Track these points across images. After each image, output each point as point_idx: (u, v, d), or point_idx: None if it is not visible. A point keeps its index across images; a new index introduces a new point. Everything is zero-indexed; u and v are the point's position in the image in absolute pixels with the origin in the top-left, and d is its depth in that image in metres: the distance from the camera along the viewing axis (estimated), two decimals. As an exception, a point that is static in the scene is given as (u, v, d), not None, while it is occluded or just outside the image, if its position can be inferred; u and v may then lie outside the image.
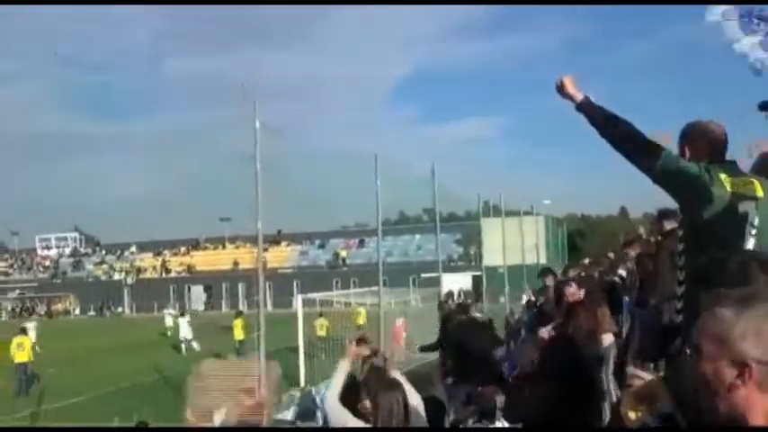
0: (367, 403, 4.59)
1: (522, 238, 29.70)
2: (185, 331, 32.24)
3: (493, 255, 29.83)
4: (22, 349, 23.59)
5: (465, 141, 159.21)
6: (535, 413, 4.69)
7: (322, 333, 24.19)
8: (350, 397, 4.59)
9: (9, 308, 72.17)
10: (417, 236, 65.96)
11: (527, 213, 35.47)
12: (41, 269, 78.88)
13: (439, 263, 22.77)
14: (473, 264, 54.40)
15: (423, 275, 32.92)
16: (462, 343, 8.80)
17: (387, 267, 20.04)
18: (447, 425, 6.29)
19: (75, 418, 16.94)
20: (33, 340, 29.96)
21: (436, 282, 21.91)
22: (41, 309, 71.47)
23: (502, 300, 27.11)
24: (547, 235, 39.45)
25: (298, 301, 21.22)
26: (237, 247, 69.57)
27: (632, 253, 10.08)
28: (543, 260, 36.72)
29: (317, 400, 11.21)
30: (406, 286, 28.50)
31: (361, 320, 24.79)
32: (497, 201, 28.62)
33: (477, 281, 41.38)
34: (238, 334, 27.81)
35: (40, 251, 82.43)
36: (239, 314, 30.52)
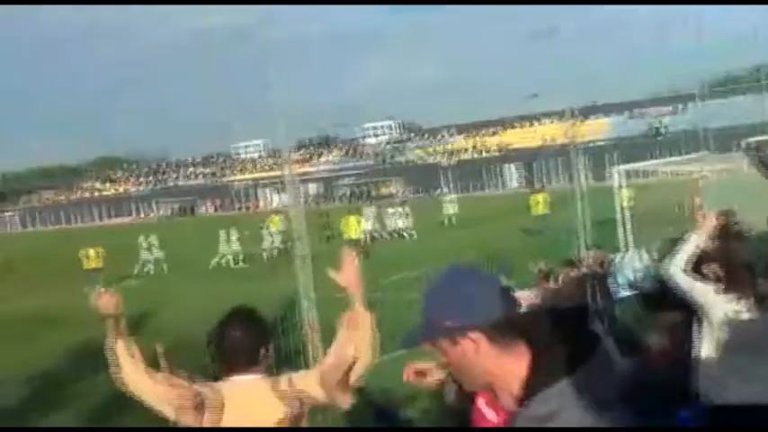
0: (712, 266, 4.46)
1: None
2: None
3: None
4: (348, 227, 27.63)
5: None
6: None
7: (630, 204, 23.93)
8: None
9: (346, 193, 78.32)
10: (744, 97, 60.48)
11: None
12: (367, 156, 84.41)
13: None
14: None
15: (752, 140, 30.26)
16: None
17: (711, 133, 18.69)
18: None
19: (412, 289, 18.30)
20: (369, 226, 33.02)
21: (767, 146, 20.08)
22: (374, 192, 76.76)
23: None
24: None
25: (615, 173, 20.66)
26: (552, 122, 68.96)
27: None
28: None
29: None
30: (733, 152, 26.44)
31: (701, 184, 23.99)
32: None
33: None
34: (537, 209, 28.46)
35: (364, 140, 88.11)
36: (537, 191, 31.46)
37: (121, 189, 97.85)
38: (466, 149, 76.11)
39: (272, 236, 30.70)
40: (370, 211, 35.62)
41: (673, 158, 29.53)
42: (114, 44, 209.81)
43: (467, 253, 23.38)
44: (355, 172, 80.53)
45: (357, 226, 27.44)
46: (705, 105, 17.23)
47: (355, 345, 3.25)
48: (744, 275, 4.22)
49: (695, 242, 4.50)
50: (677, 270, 4.46)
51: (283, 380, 3.28)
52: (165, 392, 3.19)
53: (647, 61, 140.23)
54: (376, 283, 19.76)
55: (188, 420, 3.17)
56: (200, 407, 3.15)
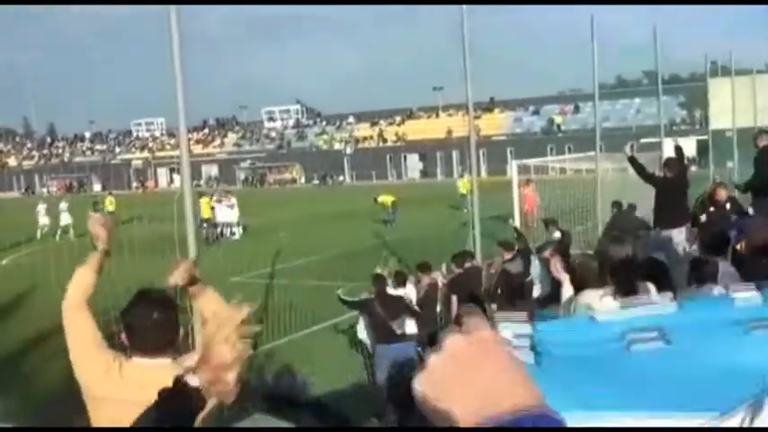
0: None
1: (754, 99, 27.40)
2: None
3: (720, 117, 27.95)
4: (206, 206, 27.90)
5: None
6: None
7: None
8: None
9: (242, 177, 77.54)
10: (636, 99, 62.86)
11: (761, 72, 32.56)
12: (268, 140, 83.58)
13: (661, 127, 21.61)
14: (698, 128, 51.33)
15: (642, 140, 31.50)
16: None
17: (604, 133, 19.25)
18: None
19: (304, 276, 18.29)
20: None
21: (657, 147, 20.91)
22: (270, 178, 76.24)
23: (729, 165, 25.57)
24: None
25: (512, 168, 21.10)
26: (450, 116, 69.86)
27: None
28: (779, 122, 33.75)
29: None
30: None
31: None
32: (726, 61, 26.54)
33: (702, 145, 39.04)
34: (385, 202, 30.93)
35: (266, 123, 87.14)
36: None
37: (11, 162, 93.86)
38: (371, 137, 76.28)
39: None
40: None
41: (567, 156, 30.45)
42: (12, 17, 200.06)
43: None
44: (255, 155, 79.67)
45: (206, 204, 27.86)
46: (598, 106, 17.78)
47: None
48: (623, 276, 4.40)
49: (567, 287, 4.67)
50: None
51: (188, 359, 3.25)
52: (84, 328, 3.21)
53: (548, 61, 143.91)
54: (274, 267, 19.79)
55: (86, 365, 3.16)
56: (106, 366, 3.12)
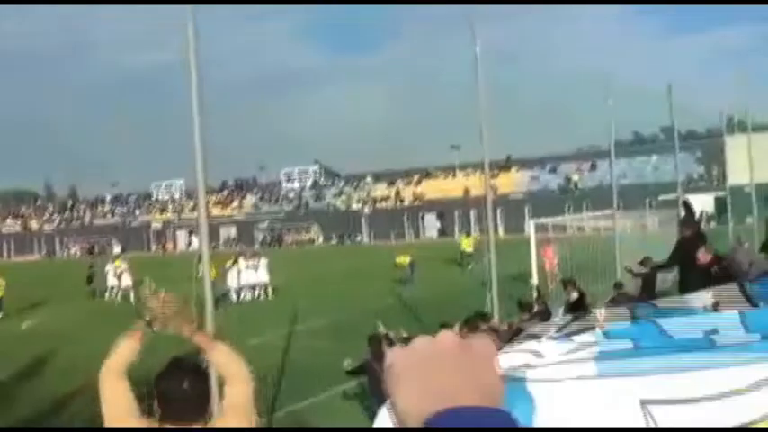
0: None
1: (772, 155, 27.37)
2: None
3: (738, 173, 27.94)
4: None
5: (704, 54, 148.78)
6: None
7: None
8: None
9: (260, 238, 77.73)
10: (653, 156, 62.87)
11: (777, 127, 32.61)
12: (287, 201, 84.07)
13: (678, 183, 21.61)
14: (716, 184, 51.22)
15: (660, 198, 31.46)
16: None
17: (621, 190, 19.31)
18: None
19: (322, 337, 18.21)
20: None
21: (674, 204, 20.89)
22: (289, 238, 76.46)
23: (749, 221, 25.43)
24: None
25: (530, 227, 21.09)
26: (467, 175, 70.07)
27: None
28: (797, 177, 33.62)
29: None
30: (643, 209, 27.42)
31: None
32: (743, 115, 26.59)
33: (720, 202, 38.92)
34: (403, 263, 31.08)
35: (284, 184, 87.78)
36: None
37: (33, 224, 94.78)
38: (388, 197, 76.60)
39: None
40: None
41: (585, 214, 30.36)
42: (29, 76, 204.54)
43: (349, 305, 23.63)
44: (273, 216, 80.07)
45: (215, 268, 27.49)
46: (615, 163, 17.92)
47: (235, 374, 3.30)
48: None
49: None
50: None
51: (218, 423, 3.29)
52: (119, 396, 3.21)
53: (564, 119, 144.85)
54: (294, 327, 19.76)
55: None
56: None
